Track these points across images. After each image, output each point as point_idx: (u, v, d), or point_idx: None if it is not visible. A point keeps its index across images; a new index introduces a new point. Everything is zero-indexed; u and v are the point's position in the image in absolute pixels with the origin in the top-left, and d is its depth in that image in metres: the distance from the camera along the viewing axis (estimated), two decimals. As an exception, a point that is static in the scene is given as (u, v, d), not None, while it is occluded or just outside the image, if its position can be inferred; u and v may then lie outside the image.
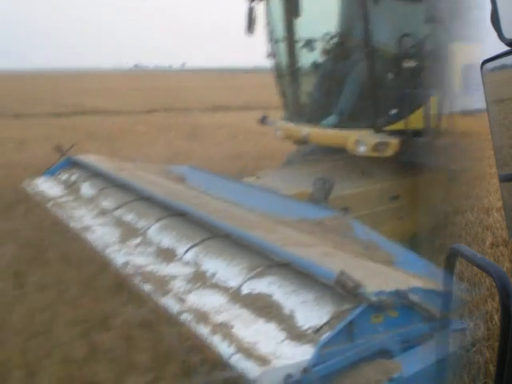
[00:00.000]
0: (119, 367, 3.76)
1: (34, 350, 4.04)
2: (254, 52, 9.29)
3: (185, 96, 35.32)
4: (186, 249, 5.07)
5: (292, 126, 8.13)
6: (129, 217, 6.37)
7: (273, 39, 8.43)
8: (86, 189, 7.83)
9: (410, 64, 6.87)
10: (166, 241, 5.42)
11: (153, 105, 28.98)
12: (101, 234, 5.91)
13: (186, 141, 15.97)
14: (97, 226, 6.22)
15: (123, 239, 5.73)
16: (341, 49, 7.85)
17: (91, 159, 8.79)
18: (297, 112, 8.32)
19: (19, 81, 44.97)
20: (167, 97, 35.04)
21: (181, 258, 5.01)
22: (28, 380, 3.76)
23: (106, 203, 7.04)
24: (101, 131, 18.55)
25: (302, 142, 8.22)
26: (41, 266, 5.60)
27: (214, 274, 4.55)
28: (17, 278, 5.32)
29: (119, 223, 6.29)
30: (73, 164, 8.96)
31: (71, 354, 3.96)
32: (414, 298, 3.41)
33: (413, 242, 6.81)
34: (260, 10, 8.41)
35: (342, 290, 3.36)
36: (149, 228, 5.84)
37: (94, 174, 8.09)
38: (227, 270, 4.51)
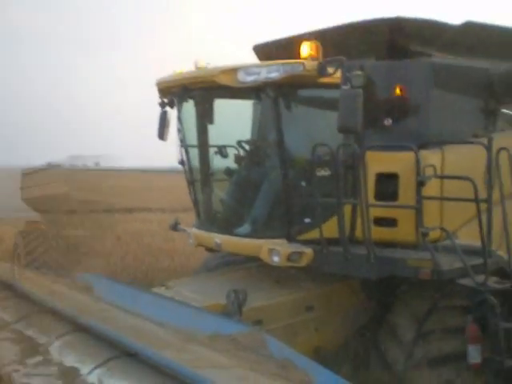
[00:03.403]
0: None
1: None
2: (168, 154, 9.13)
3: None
4: (89, 370, 4.71)
5: (204, 234, 7.92)
6: (29, 331, 5.96)
7: (185, 145, 8.31)
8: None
9: (323, 172, 6.84)
10: (69, 359, 5.03)
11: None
12: (-1, 350, 5.49)
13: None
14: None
15: (23, 357, 5.31)
16: (254, 156, 7.79)
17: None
18: (209, 219, 8.16)
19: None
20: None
21: (84, 379, 4.64)
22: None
23: (5, 315, 6.60)
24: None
25: (214, 250, 8.02)
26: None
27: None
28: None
29: (19, 338, 5.87)
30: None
31: None
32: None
33: (329, 355, 6.65)
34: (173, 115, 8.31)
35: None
36: (51, 345, 5.45)
37: None
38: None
